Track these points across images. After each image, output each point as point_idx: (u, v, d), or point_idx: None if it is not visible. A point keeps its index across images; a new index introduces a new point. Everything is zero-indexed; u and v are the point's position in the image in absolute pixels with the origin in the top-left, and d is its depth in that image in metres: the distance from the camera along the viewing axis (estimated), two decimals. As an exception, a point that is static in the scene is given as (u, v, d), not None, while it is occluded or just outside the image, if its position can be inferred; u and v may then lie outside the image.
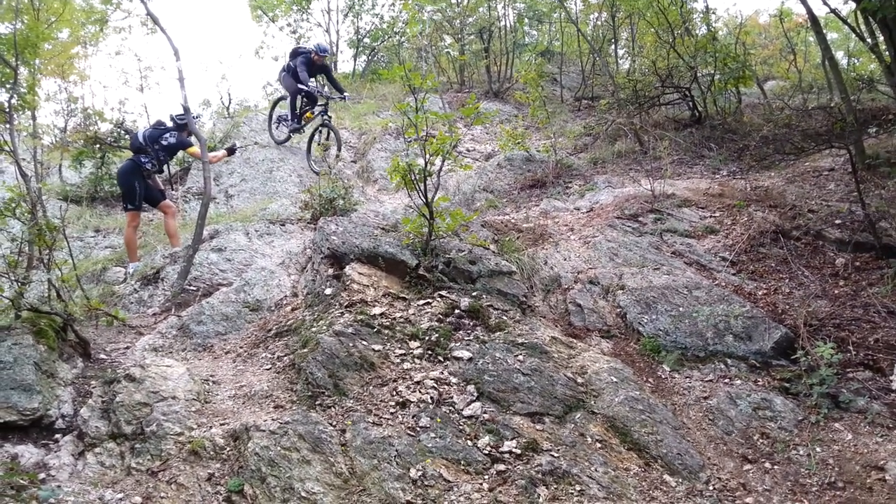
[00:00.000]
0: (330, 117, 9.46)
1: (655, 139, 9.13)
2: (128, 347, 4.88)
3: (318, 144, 9.60)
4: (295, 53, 9.82)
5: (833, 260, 5.80)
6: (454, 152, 6.88)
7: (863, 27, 7.91)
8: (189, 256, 5.95)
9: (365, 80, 16.67)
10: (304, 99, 9.71)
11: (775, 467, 3.72)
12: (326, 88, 10.25)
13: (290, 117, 9.89)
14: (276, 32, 27.90)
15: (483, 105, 12.09)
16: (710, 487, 3.54)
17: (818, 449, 3.78)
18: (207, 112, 15.68)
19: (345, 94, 9.98)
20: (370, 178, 9.99)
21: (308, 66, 9.42)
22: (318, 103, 9.57)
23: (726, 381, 4.37)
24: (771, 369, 4.42)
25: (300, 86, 9.35)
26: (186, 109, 6.74)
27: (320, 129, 9.48)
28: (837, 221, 6.22)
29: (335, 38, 18.16)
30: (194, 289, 5.83)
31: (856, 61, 14.57)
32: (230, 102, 15.77)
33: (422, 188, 5.40)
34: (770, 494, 3.49)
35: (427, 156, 5.44)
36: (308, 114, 9.71)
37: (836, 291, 5.36)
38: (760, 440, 3.92)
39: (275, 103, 10.88)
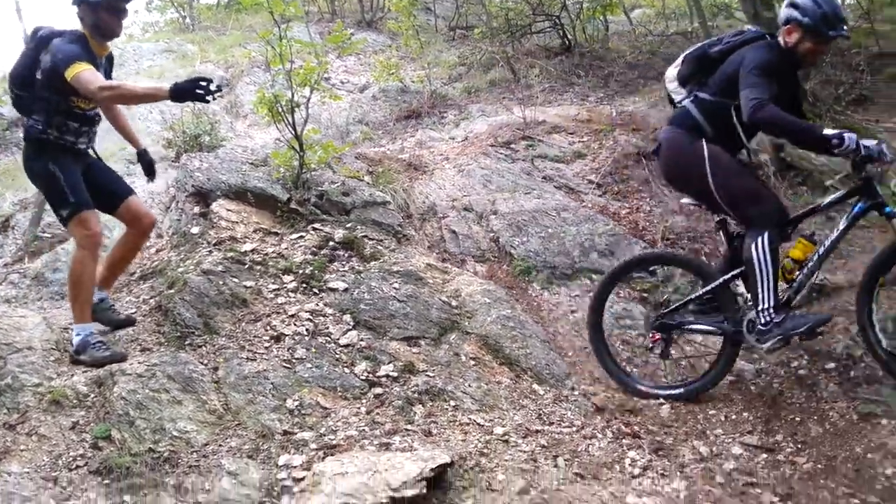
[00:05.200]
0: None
1: (527, 68, 9.25)
2: (-24, 301, 4.54)
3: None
4: None
5: (689, 178, 6.16)
6: (324, 83, 6.69)
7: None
8: (40, 202, 5.54)
9: (230, 10, 15.78)
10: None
11: (634, 370, 4.00)
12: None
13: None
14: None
15: (356, 35, 11.75)
16: (575, 392, 3.76)
17: (671, 351, 4.08)
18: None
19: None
20: (239, 112, 9.59)
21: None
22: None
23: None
24: (632, 282, 4.69)
25: None
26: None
27: None
28: (694, 142, 6.58)
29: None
30: (49, 235, 5.47)
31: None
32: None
33: (290, 120, 5.24)
34: (630, 393, 3.76)
35: (294, 86, 5.27)
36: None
37: (692, 207, 5.71)
38: (622, 346, 4.19)
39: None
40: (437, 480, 2.86)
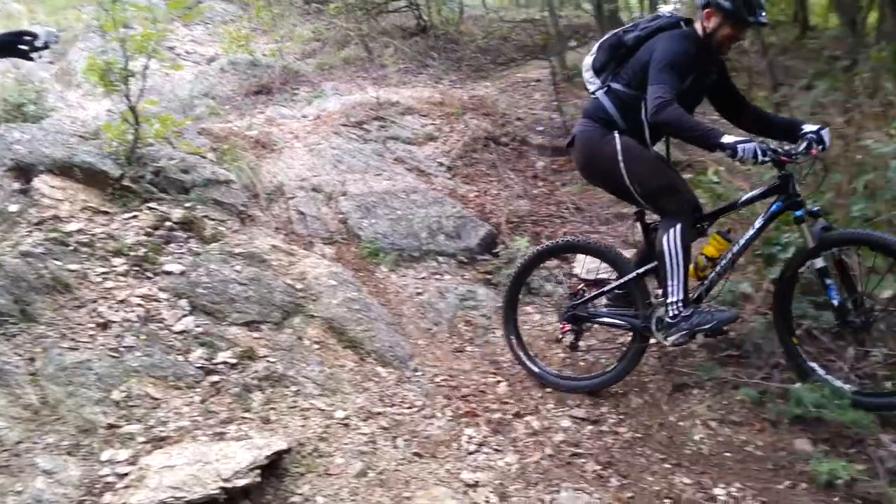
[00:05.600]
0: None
1: (382, 47, 9.19)
2: None
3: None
4: None
5: (535, 163, 6.41)
6: (166, 52, 6.30)
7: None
8: None
9: (63, -33, 14.44)
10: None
11: (476, 350, 4.13)
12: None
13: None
14: None
15: (205, 2, 11.17)
16: (418, 374, 3.82)
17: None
18: None
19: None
20: (71, 81, 8.83)
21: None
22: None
23: (437, 276, 4.69)
24: (477, 264, 4.83)
25: None
26: None
27: None
28: (540, 128, 6.84)
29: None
30: None
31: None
32: None
33: (124, 90, 4.88)
34: (470, 373, 3.87)
35: (128, 53, 4.91)
36: None
37: (536, 191, 5.96)
38: (465, 328, 4.30)
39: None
40: (273, 468, 2.82)
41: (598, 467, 3.05)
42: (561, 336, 3.92)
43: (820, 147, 3.20)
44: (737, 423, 3.30)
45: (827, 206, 3.69)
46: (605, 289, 3.77)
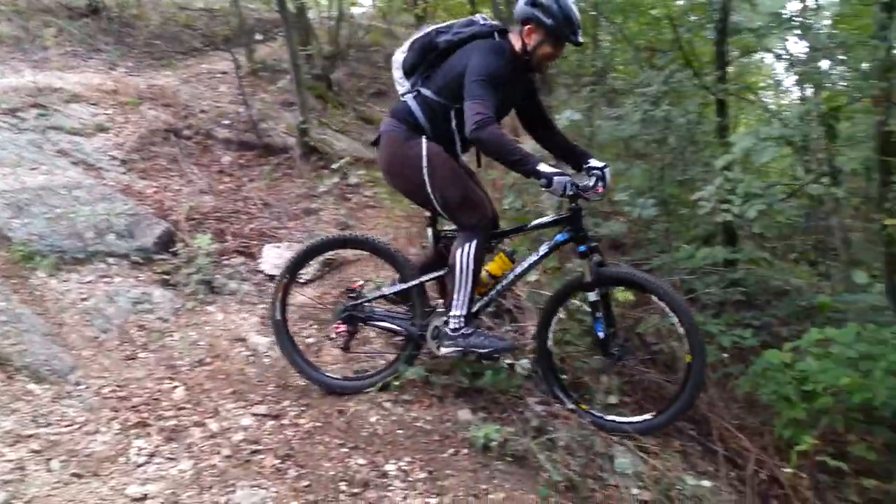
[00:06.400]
0: None
1: (43, 26, 8.14)
2: None
3: None
4: None
5: (220, 158, 6.19)
6: None
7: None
8: None
9: None
10: None
11: (150, 356, 3.86)
12: None
13: None
14: None
15: None
16: (80, 387, 3.46)
17: (192, 332, 4.06)
18: None
19: None
20: None
21: None
22: None
23: (106, 279, 4.29)
24: (153, 264, 4.52)
25: None
26: None
27: None
28: (226, 122, 6.64)
29: None
30: None
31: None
32: None
33: None
34: (143, 381, 3.61)
35: None
36: None
37: (221, 187, 5.76)
38: (138, 333, 4.00)
39: None
40: None
41: (277, 461, 3.04)
42: (333, 336, 3.75)
43: (602, 185, 3.29)
44: (408, 401, 3.52)
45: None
46: (387, 291, 3.66)
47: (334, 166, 5.97)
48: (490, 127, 2.99)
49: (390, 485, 2.94)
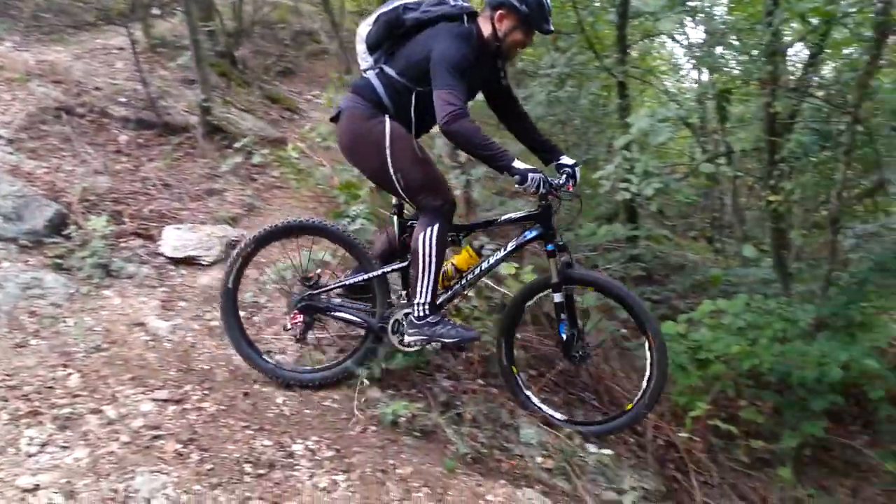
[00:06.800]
0: None
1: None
2: None
3: None
4: None
5: (117, 137, 5.92)
6: None
7: None
8: None
9: None
10: None
11: (42, 343, 3.67)
12: None
13: None
14: None
15: None
16: (-34, 380, 3.27)
17: (87, 318, 3.88)
18: None
19: None
20: None
21: None
22: None
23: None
24: (44, 247, 4.29)
25: None
26: None
27: None
28: (122, 100, 6.34)
29: None
30: None
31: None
32: None
33: None
34: (34, 369, 3.42)
35: None
36: None
37: (118, 167, 5.52)
38: (29, 319, 3.79)
39: None
40: None
41: (179, 445, 2.96)
42: (289, 326, 3.61)
43: (573, 182, 3.34)
44: (316, 381, 3.51)
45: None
46: (347, 281, 3.55)
47: (237, 145, 5.82)
48: (463, 120, 2.96)
49: (297, 464, 2.93)
